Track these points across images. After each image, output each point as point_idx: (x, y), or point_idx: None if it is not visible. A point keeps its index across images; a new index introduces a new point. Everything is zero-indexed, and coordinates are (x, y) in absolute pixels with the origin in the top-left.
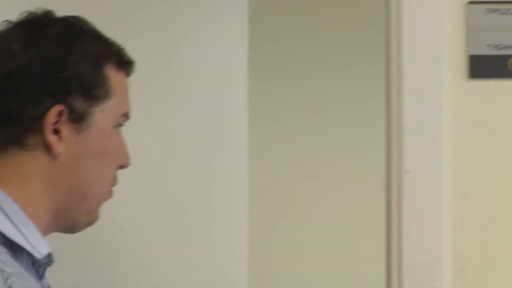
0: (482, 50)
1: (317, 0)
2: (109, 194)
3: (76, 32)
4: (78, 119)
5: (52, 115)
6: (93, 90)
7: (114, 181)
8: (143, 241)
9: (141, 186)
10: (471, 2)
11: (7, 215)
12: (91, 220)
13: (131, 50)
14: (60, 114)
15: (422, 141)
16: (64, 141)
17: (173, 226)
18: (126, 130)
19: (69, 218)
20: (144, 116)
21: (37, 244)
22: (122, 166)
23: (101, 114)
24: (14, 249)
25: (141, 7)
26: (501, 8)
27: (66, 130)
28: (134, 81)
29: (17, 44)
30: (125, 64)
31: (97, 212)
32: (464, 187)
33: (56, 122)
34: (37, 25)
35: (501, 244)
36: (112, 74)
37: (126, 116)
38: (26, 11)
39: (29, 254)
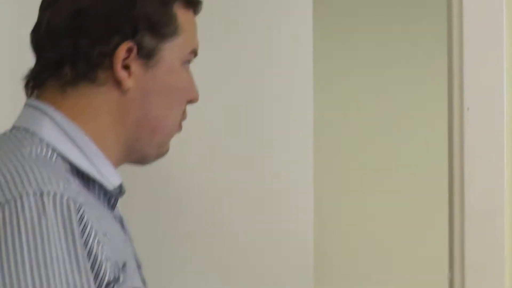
0: None
1: None
2: (178, 127)
3: None
4: (147, 55)
5: (122, 51)
6: (161, 27)
7: (183, 115)
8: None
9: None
10: None
11: (79, 147)
12: (161, 152)
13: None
14: (129, 50)
15: (483, 79)
16: (134, 77)
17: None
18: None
19: (139, 151)
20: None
21: (109, 175)
22: (191, 101)
23: (169, 51)
24: (86, 180)
25: None
26: None
27: (135, 66)
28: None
29: None
30: (192, 3)
31: (167, 145)
32: None
33: (126, 58)
34: None
35: None
36: (180, 13)
37: (194, 52)
38: None
39: (100, 185)
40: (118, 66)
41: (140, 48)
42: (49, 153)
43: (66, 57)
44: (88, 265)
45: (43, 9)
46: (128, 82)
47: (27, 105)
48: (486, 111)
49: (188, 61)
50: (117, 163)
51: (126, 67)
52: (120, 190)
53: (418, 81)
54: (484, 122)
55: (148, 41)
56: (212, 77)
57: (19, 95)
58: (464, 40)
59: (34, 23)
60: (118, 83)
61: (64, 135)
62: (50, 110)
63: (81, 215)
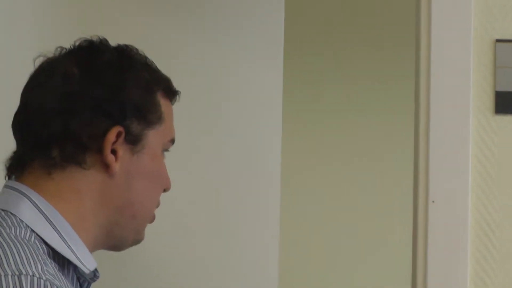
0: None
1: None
2: (153, 216)
3: (129, 60)
4: (133, 140)
5: (112, 135)
6: (147, 114)
7: (158, 203)
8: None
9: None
10: (498, 40)
11: (56, 230)
12: (137, 239)
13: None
14: (118, 135)
15: (449, 173)
16: (120, 161)
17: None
18: None
19: (117, 236)
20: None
21: (85, 259)
22: (165, 190)
23: (154, 138)
24: (62, 262)
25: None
26: None
27: (122, 150)
28: None
29: (75, 68)
30: (171, 93)
31: (143, 233)
32: (489, 219)
33: (114, 143)
34: (93, 51)
35: None
36: (162, 101)
37: (172, 141)
38: (81, 37)
39: (74, 269)
40: (108, 149)
41: (127, 133)
42: (28, 235)
43: (55, 139)
44: None
45: (29, 90)
46: (115, 166)
47: (6, 186)
48: (452, 204)
49: (166, 149)
50: (94, 247)
51: (113, 151)
52: (95, 275)
53: None
54: (449, 215)
55: (135, 126)
56: None
57: None
58: (431, 134)
59: None
60: (105, 167)
61: (42, 217)
62: (30, 191)
63: None
